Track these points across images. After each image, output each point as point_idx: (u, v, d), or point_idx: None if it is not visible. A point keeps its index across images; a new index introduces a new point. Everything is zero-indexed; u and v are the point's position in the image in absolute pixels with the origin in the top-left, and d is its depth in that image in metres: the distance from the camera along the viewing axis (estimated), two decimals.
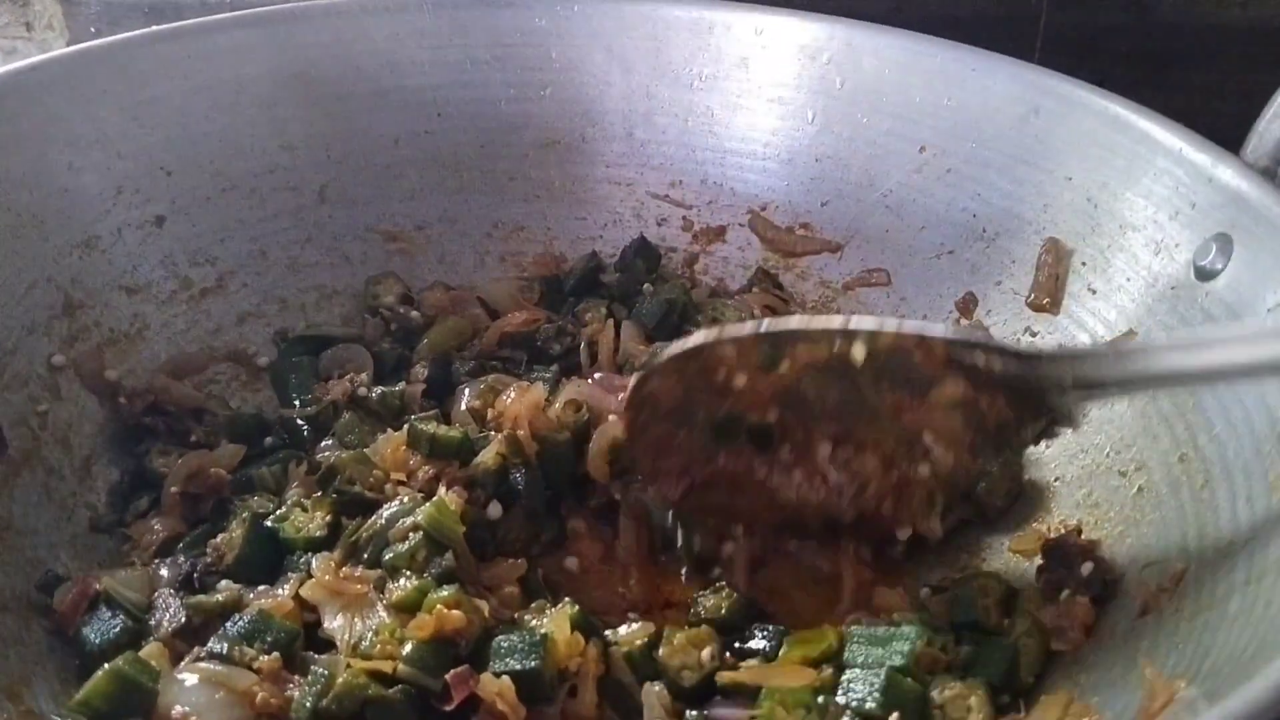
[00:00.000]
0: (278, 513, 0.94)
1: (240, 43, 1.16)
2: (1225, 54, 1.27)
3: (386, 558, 0.88)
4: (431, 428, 0.98)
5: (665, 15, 1.23)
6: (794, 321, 0.90)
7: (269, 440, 1.07)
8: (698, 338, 0.90)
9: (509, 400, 1.01)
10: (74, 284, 1.05)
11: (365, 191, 1.23)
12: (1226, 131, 0.95)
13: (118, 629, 0.86)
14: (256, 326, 1.17)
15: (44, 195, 1.04)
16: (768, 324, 0.89)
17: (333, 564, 0.88)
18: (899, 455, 0.89)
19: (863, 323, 0.86)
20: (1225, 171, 0.92)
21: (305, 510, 0.94)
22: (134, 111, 1.10)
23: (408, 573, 0.86)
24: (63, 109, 1.06)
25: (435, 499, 0.91)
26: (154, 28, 1.13)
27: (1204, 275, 0.92)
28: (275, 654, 0.81)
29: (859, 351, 0.86)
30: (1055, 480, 1.00)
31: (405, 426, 0.99)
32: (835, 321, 0.88)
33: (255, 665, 0.80)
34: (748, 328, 0.89)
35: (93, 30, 1.44)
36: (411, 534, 0.89)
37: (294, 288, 1.20)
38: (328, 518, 0.93)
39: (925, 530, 0.94)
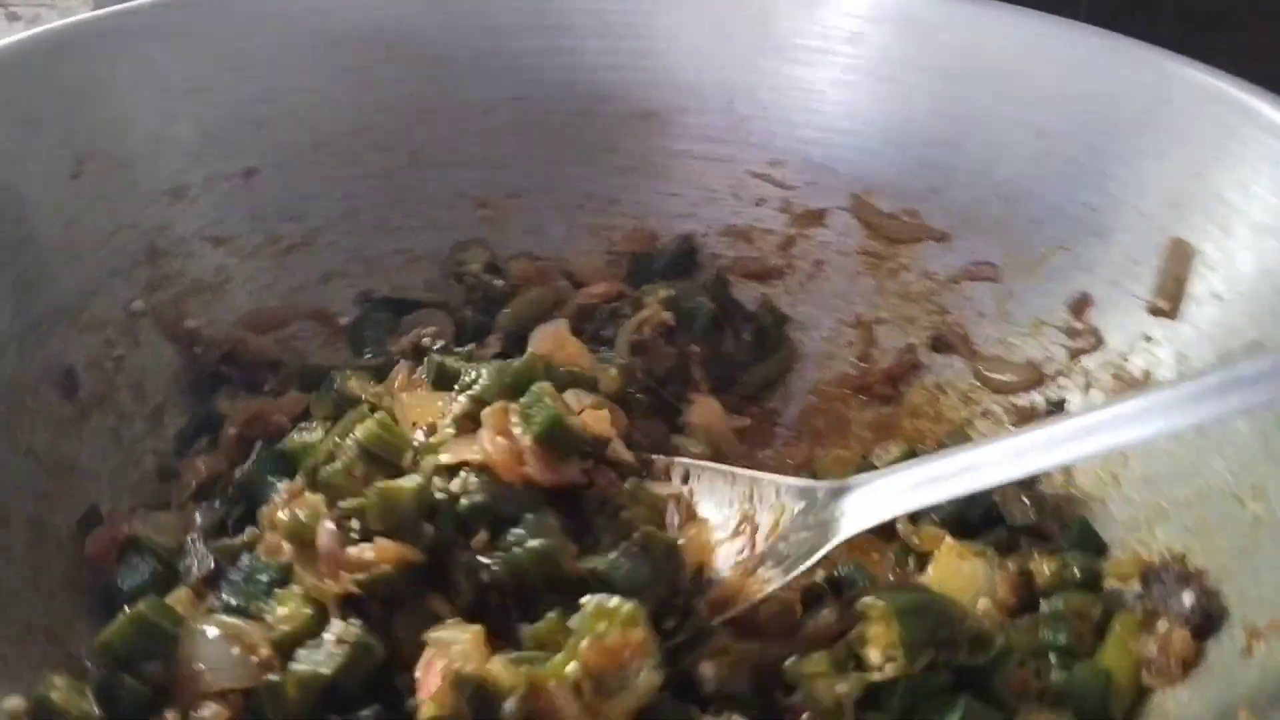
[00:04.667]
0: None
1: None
2: (1274, 14, 1.18)
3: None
4: (440, 359, 0.97)
5: None
6: None
7: None
8: None
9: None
10: (159, 231, 1.06)
11: (458, 155, 1.21)
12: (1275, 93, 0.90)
13: (148, 575, 0.87)
14: (340, 286, 1.16)
15: (135, 140, 1.04)
16: None
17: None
18: None
19: None
20: None
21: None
22: (230, 61, 1.10)
23: None
24: (158, 54, 1.06)
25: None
26: None
27: None
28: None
29: None
30: (1162, 502, 0.92)
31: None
32: None
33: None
34: None
35: None
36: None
37: (380, 249, 1.18)
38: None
39: None
